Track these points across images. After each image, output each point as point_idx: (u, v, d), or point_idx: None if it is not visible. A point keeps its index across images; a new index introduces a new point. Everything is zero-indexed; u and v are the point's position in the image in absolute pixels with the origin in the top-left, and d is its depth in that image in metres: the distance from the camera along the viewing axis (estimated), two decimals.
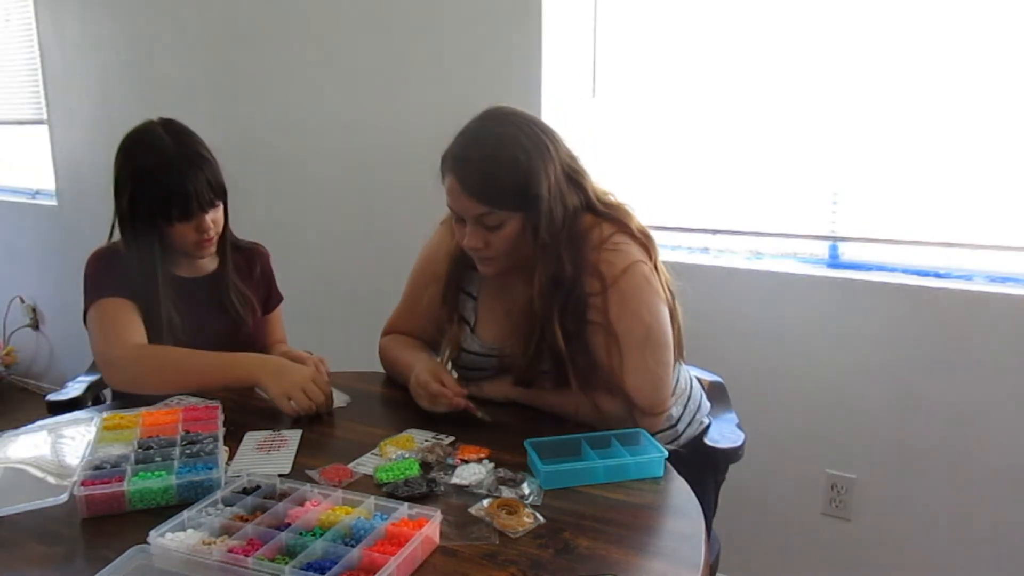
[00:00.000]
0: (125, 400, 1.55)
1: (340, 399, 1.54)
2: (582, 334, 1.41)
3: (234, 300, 1.73)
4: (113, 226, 1.66)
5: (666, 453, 1.25)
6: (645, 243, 1.45)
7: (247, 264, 1.82)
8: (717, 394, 1.71)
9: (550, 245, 1.39)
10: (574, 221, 1.41)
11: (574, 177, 1.43)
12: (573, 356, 1.41)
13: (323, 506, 1.07)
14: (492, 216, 1.38)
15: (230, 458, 1.28)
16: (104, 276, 1.63)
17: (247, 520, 1.03)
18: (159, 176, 1.56)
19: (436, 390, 1.42)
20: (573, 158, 1.45)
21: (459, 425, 1.40)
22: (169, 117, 1.66)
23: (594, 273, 1.40)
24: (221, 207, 1.65)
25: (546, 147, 1.38)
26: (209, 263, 1.75)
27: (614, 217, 1.45)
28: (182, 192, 1.55)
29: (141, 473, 1.15)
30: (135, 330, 1.57)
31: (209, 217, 1.61)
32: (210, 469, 1.16)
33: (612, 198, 1.49)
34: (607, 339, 1.40)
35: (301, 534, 1.00)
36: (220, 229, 1.67)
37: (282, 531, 1.00)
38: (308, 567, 0.93)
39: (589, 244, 1.41)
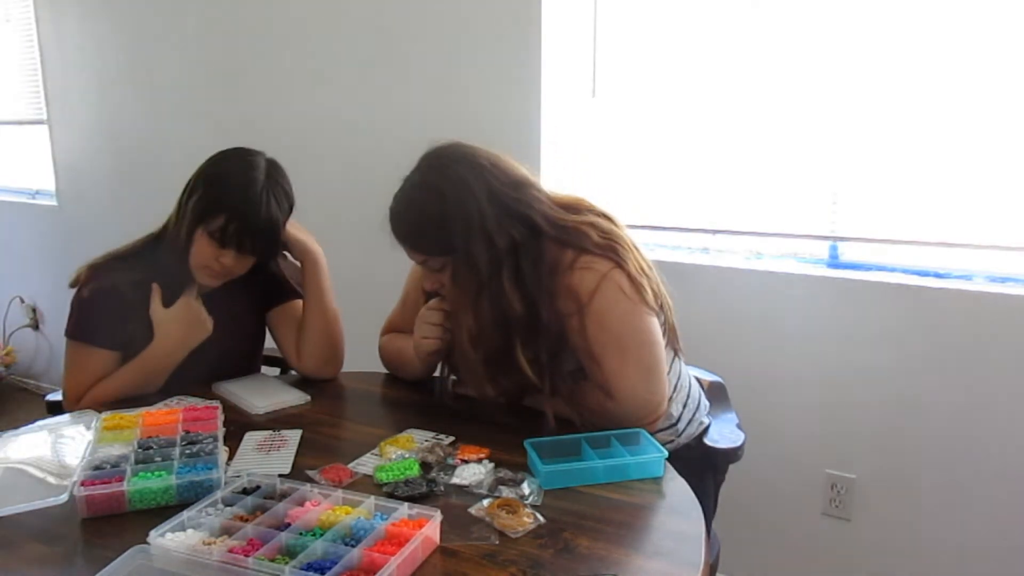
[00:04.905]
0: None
1: (300, 398, 1.56)
2: (560, 361, 1.41)
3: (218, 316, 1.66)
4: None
5: (666, 453, 1.25)
6: (610, 253, 1.38)
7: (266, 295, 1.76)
8: (717, 394, 1.71)
9: (486, 283, 1.36)
10: (517, 254, 1.36)
11: (516, 207, 1.37)
12: (553, 382, 1.40)
13: (323, 506, 1.07)
14: (431, 261, 1.42)
15: (230, 458, 1.28)
16: (92, 318, 1.58)
17: (247, 520, 1.03)
18: (230, 193, 1.52)
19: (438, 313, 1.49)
20: (517, 186, 1.39)
21: (459, 425, 1.40)
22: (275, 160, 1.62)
23: (567, 295, 1.38)
24: (251, 263, 1.59)
25: (468, 188, 1.35)
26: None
27: (570, 241, 1.39)
28: (238, 221, 1.51)
29: (141, 473, 1.15)
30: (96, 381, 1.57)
31: (232, 259, 1.54)
32: (210, 469, 1.16)
33: (567, 217, 1.41)
34: (590, 362, 1.40)
35: (301, 534, 1.00)
36: (232, 276, 1.59)
37: (282, 531, 1.00)
38: (308, 567, 0.93)
39: (559, 269, 1.38)
